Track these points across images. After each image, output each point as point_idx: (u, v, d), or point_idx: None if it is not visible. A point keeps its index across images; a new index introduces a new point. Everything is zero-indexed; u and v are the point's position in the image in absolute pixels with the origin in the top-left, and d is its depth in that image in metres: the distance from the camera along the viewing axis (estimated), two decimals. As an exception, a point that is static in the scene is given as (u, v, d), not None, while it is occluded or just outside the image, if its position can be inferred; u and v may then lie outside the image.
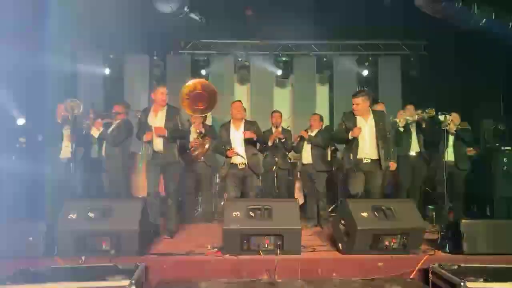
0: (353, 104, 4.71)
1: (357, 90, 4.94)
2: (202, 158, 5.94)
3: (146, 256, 3.81)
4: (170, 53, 8.75)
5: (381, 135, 4.65)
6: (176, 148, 4.80)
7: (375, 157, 4.62)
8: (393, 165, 5.49)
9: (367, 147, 4.62)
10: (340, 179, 6.53)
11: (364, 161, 4.61)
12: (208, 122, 6.63)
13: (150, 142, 4.69)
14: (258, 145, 5.40)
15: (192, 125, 5.87)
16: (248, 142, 4.98)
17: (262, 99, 8.79)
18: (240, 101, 5.29)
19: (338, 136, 5.01)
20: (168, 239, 4.58)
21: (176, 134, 4.78)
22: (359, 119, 4.70)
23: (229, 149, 4.92)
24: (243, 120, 5.10)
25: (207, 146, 5.83)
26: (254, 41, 8.61)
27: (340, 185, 6.57)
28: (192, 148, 5.79)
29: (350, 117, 4.76)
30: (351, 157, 4.64)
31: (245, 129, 4.99)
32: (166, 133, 4.64)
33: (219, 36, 8.48)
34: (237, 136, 5.02)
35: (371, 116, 4.71)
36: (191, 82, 4.89)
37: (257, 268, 3.67)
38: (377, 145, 4.60)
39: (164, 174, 4.76)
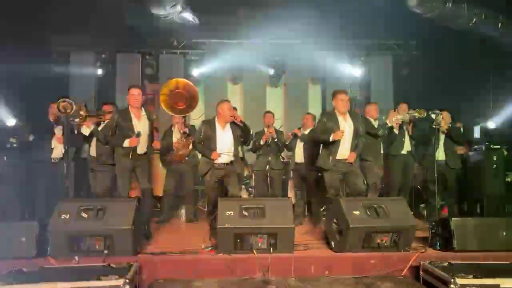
0: (340, 100, 4.67)
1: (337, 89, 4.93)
2: (186, 158, 5.87)
3: (140, 255, 3.82)
4: (162, 53, 8.71)
5: (358, 136, 4.69)
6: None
7: None
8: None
9: (345, 148, 4.65)
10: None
11: (342, 162, 4.64)
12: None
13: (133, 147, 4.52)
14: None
15: (175, 126, 5.77)
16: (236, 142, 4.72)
17: (254, 99, 8.81)
18: (229, 101, 4.81)
19: (320, 138, 4.78)
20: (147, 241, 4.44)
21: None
22: (340, 119, 4.68)
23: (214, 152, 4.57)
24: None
25: (191, 146, 5.73)
26: (247, 41, 8.62)
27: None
28: (177, 149, 5.71)
29: (331, 116, 4.73)
30: (330, 158, 4.63)
31: (232, 129, 4.68)
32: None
33: (212, 35, 8.47)
34: (225, 136, 4.67)
35: (348, 116, 4.73)
36: (173, 80, 4.80)
37: (250, 266, 3.70)
38: (351, 145, 4.65)
39: (137, 173, 4.62)
